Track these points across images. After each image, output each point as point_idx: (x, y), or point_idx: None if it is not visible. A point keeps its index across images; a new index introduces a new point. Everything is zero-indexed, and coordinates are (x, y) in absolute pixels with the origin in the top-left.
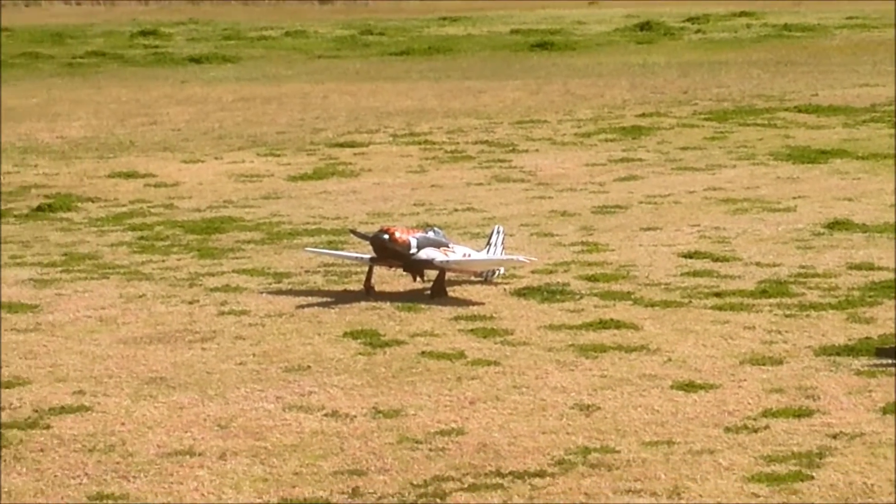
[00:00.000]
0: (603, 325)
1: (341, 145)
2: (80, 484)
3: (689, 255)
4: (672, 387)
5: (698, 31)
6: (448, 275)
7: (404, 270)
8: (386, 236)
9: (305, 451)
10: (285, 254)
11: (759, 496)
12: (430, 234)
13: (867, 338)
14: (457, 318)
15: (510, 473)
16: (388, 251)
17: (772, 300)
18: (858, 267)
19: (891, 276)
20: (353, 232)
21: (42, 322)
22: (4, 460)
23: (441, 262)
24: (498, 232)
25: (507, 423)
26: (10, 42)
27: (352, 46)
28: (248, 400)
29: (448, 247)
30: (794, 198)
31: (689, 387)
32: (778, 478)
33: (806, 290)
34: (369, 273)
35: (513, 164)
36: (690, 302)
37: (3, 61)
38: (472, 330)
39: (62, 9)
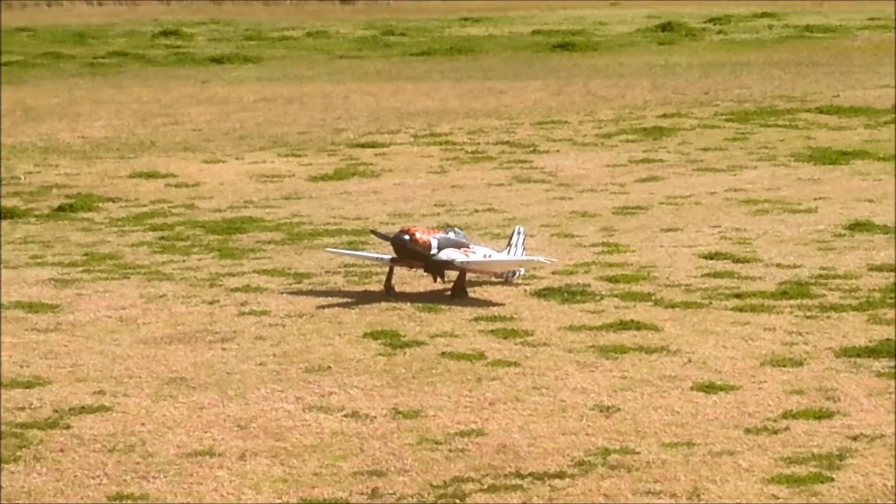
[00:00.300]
0: (623, 326)
1: (362, 146)
2: (100, 484)
3: (709, 257)
4: (692, 388)
5: (720, 31)
6: (469, 275)
7: (425, 271)
8: (406, 237)
9: (325, 452)
10: (306, 254)
11: (778, 498)
12: (451, 235)
13: (888, 339)
14: (477, 319)
15: (530, 474)
16: (409, 252)
17: (792, 301)
18: (879, 268)
19: None
20: (374, 232)
21: (63, 322)
22: (25, 460)
23: (461, 262)
24: (518, 233)
25: (526, 424)
26: (33, 42)
27: (373, 47)
28: (268, 400)
29: (468, 247)
30: (816, 199)
31: (709, 388)
32: (798, 479)
33: (827, 291)
34: (390, 273)
35: (534, 165)
36: (711, 303)
37: (26, 61)
38: (492, 331)
39: (84, 9)
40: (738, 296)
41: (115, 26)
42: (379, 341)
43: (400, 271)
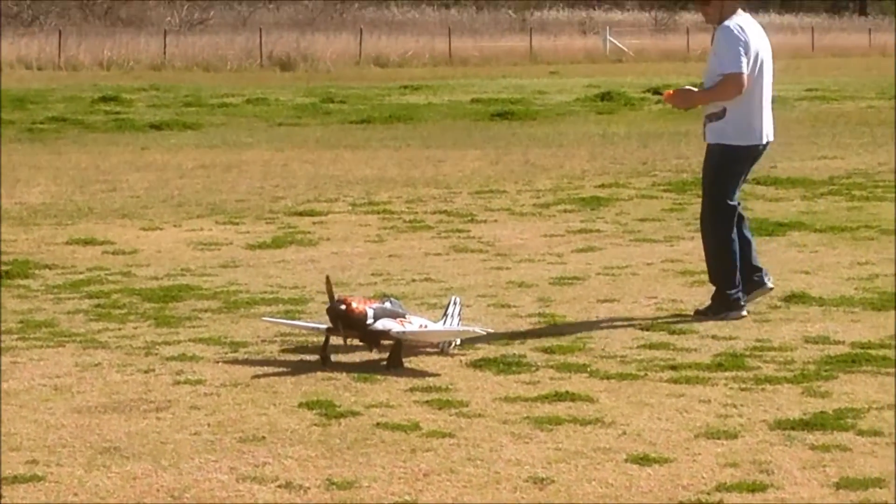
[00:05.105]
0: (558, 397)
1: (300, 214)
2: None
3: (645, 328)
4: (626, 460)
5: (659, 101)
6: (405, 345)
7: (360, 341)
8: (342, 306)
9: None
10: (242, 323)
11: None
12: (387, 305)
13: (822, 412)
14: (412, 389)
15: None
16: (344, 321)
17: (727, 373)
18: (815, 341)
19: (846, 350)
20: (328, 282)
21: None
22: None
23: (397, 332)
24: (455, 303)
25: (460, 495)
26: None
27: (313, 114)
28: (202, 470)
29: (405, 317)
30: None
31: (643, 460)
32: None
33: (762, 363)
34: (325, 343)
35: (471, 235)
36: (646, 375)
37: None
38: (427, 401)
39: (24, 74)
40: (673, 367)
41: (55, 91)
42: (314, 411)
43: (336, 341)
